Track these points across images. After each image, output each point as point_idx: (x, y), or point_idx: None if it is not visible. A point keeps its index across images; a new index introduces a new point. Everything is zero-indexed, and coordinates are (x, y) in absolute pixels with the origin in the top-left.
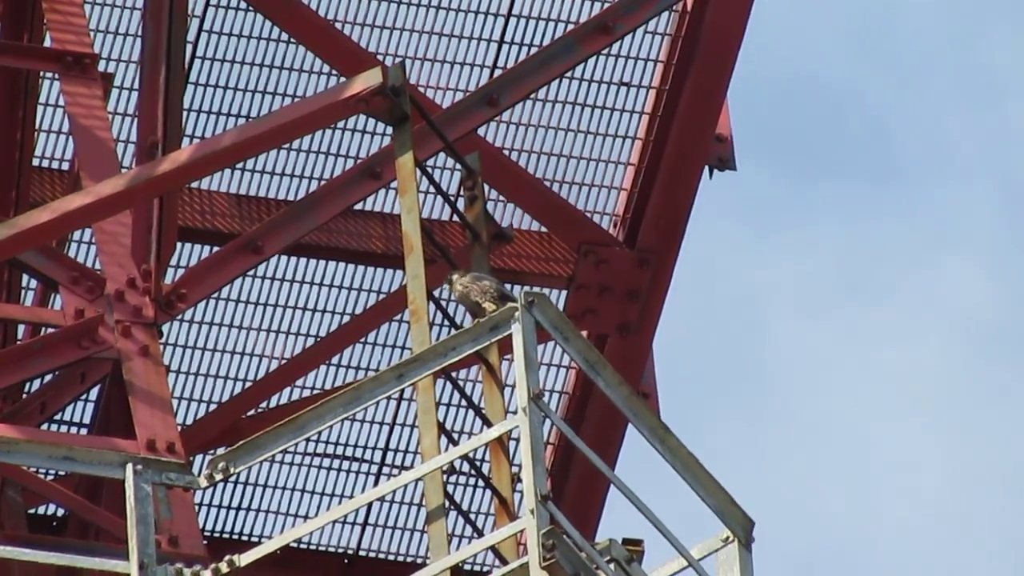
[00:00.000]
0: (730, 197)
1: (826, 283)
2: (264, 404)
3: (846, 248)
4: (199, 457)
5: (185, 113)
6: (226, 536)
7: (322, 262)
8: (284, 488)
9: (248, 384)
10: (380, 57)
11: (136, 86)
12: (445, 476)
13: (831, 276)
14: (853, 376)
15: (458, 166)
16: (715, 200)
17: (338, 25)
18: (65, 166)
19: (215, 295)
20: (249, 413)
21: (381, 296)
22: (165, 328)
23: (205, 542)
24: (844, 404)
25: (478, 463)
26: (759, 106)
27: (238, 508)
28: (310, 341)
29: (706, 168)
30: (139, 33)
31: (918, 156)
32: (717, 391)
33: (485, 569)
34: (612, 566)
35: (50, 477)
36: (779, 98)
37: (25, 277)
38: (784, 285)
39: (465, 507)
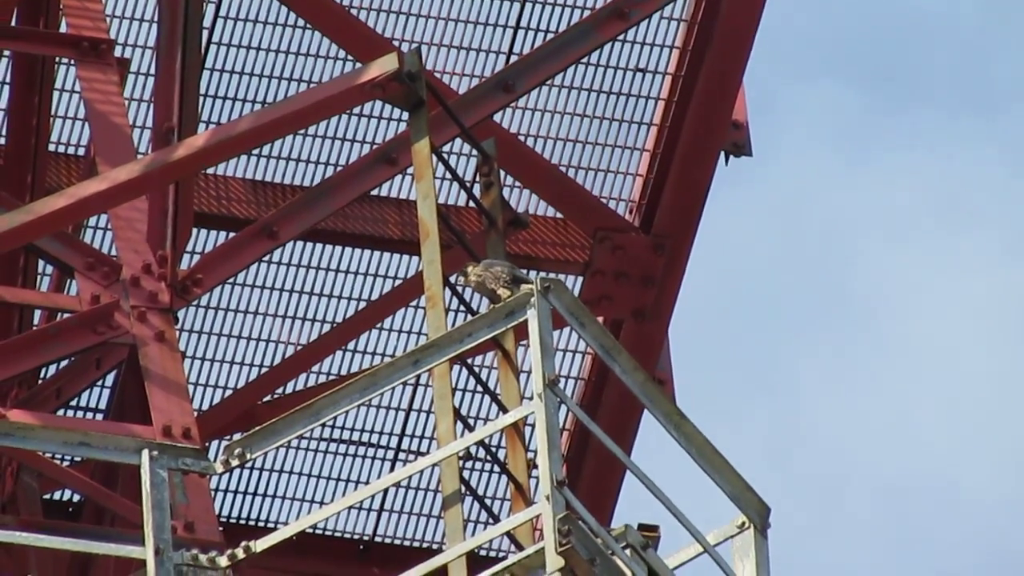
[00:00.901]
0: (821, 125)
1: (917, 211)
2: (280, 390)
3: (938, 176)
4: (215, 443)
5: (201, 99)
6: (242, 522)
7: (338, 248)
8: (300, 474)
9: (264, 370)
10: (396, 43)
11: (152, 72)
12: (461, 462)
13: (922, 204)
14: (944, 303)
15: (474, 152)
16: (806, 125)
17: (354, 11)
18: (81, 152)
19: (231, 281)
20: (265, 399)
21: (397, 282)
22: (181, 314)
23: (221, 528)
24: (936, 331)
25: (494, 449)
26: (853, 33)
27: (254, 494)
28: (326, 327)
29: (722, 154)
30: (155, 19)
31: (1011, 83)
32: (807, 319)
33: (501, 555)
34: (628, 552)
35: (66, 463)
36: (873, 25)
37: (41, 263)
38: (874, 213)
39: (481, 493)
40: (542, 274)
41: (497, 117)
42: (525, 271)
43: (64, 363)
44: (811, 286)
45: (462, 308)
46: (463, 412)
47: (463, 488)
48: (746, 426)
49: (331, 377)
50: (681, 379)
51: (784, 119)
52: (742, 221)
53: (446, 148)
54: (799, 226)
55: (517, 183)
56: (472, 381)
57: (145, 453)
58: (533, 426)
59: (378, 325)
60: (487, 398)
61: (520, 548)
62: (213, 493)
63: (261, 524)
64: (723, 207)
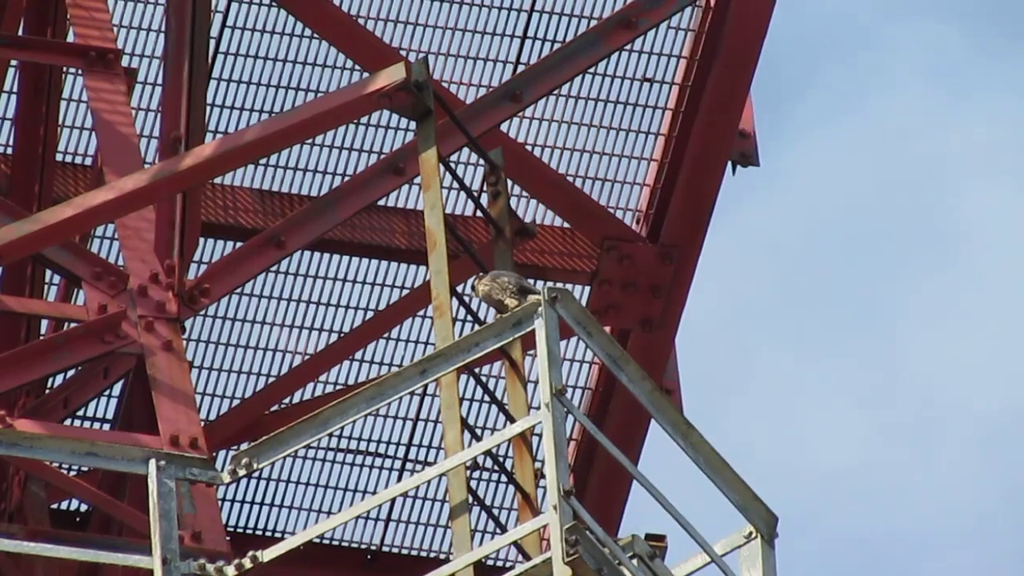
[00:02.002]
0: (922, 60)
1: (1015, 150)
2: (287, 400)
3: None
4: (222, 453)
5: (208, 108)
6: (249, 532)
7: (345, 258)
8: (307, 484)
9: (271, 379)
10: (403, 53)
11: (159, 81)
12: (468, 472)
13: (1020, 143)
14: None
15: (481, 162)
16: (907, 62)
17: (361, 21)
18: (88, 161)
19: (238, 290)
20: (272, 409)
21: (404, 292)
22: (188, 323)
23: (228, 538)
24: None
25: (501, 459)
26: None
27: (261, 504)
28: (333, 337)
29: (729, 164)
30: (163, 28)
31: None
32: (905, 253)
33: (508, 564)
34: (635, 562)
35: (73, 472)
36: None
37: (48, 272)
38: (972, 151)
39: (488, 502)
40: (549, 284)
41: (504, 127)
42: (532, 281)
43: (71, 373)
44: (907, 224)
45: (469, 318)
46: (470, 422)
47: (470, 498)
48: (838, 365)
49: (338, 387)
50: (688, 389)
51: (884, 56)
52: (837, 160)
53: (453, 158)
54: (897, 163)
55: (524, 193)
56: (479, 391)
57: (152, 463)
58: (540, 436)
59: (385, 335)
60: (494, 408)
61: (527, 558)
62: (220, 503)
63: (268, 534)
64: (819, 150)
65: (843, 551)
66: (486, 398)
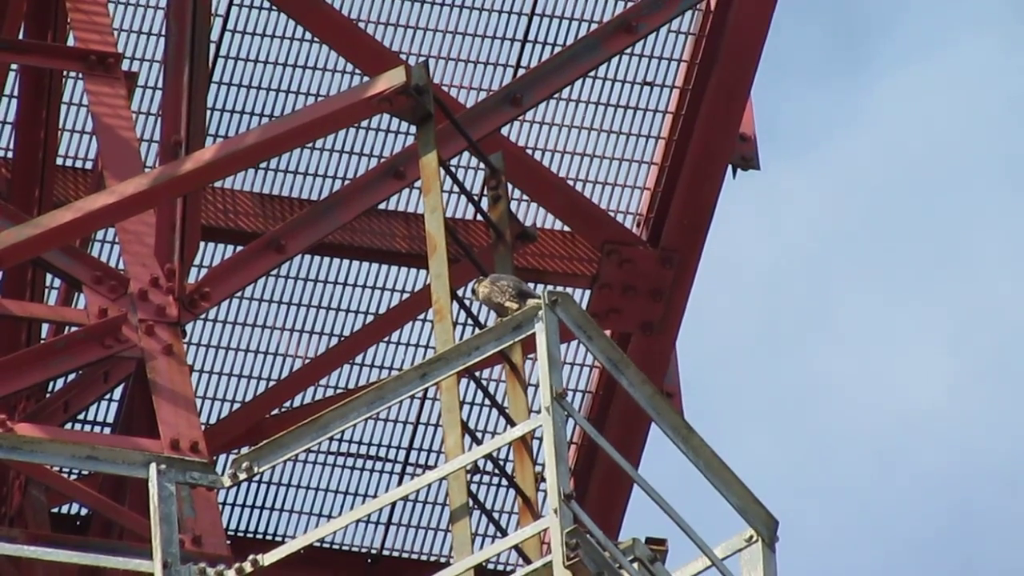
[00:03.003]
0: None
1: None
2: (288, 403)
3: None
4: (223, 456)
5: (209, 112)
6: (250, 535)
7: (345, 261)
8: (308, 487)
9: (272, 383)
10: (403, 56)
11: (160, 85)
12: (469, 475)
13: None
14: None
15: (482, 165)
16: None
17: (361, 24)
18: (88, 165)
19: (238, 294)
20: (273, 412)
21: (404, 295)
22: (188, 327)
23: (229, 541)
24: None
25: (502, 462)
26: None
27: (262, 507)
28: (333, 340)
29: (729, 167)
30: (163, 32)
31: None
32: (988, 196)
33: (509, 568)
34: (635, 565)
35: (73, 476)
36: None
37: (49, 276)
38: None
39: (489, 506)
40: (550, 287)
41: (505, 130)
42: (532, 285)
43: (72, 377)
44: (992, 162)
45: (470, 322)
46: (471, 425)
47: (471, 501)
48: (922, 305)
49: (339, 391)
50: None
51: None
52: (919, 102)
53: (454, 161)
54: (982, 103)
55: (525, 196)
56: (480, 394)
57: (153, 467)
58: (541, 439)
59: (385, 339)
60: (495, 411)
61: (528, 562)
62: (221, 507)
63: (269, 538)
64: (904, 88)
65: (932, 488)
66: (486, 402)
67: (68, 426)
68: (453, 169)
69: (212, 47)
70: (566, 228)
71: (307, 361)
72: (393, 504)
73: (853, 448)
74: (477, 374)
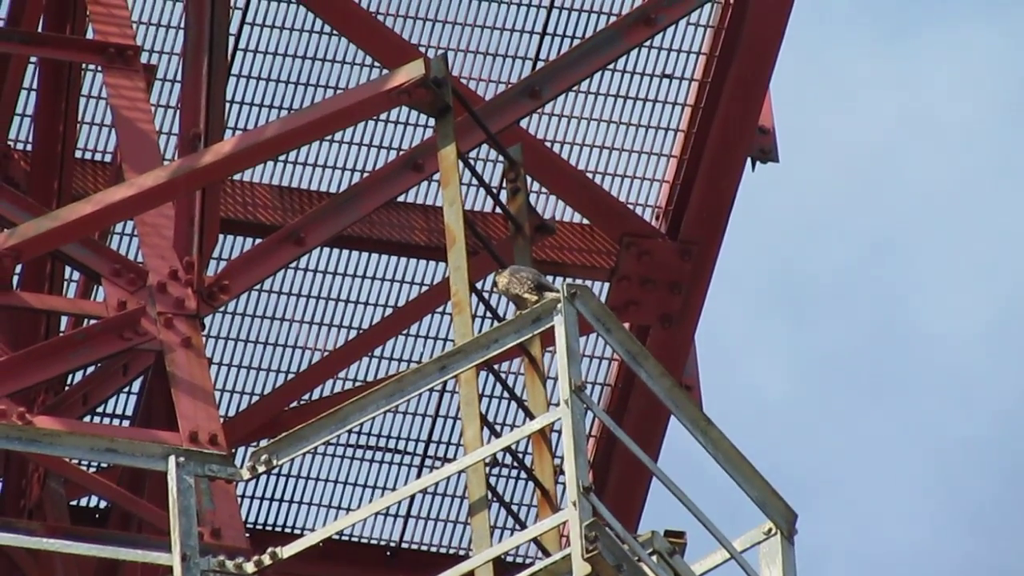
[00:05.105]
0: None
1: None
2: (306, 396)
3: None
4: (241, 449)
5: (227, 105)
6: (268, 528)
7: (364, 254)
8: (327, 480)
9: (290, 376)
10: (422, 49)
11: (179, 78)
12: (487, 468)
13: None
14: None
15: (500, 158)
16: None
17: (380, 17)
18: (107, 158)
19: (257, 287)
20: (291, 405)
21: (423, 288)
22: (207, 320)
23: (247, 534)
24: None
25: (520, 455)
26: None
27: (280, 500)
28: (352, 333)
29: (748, 160)
30: (182, 25)
31: None
32: None
33: (528, 561)
34: (654, 558)
35: (92, 469)
36: None
37: (68, 269)
38: None
39: (507, 499)
40: (568, 280)
41: (523, 123)
42: (551, 278)
43: (91, 369)
44: None
45: (488, 314)
46: (490, 418)
47: (489, 494)
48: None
49: (358, 383)
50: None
51: None
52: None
53: (472, 154)
54: None
55: (543, 189)
56: (499, 387)
57: (172, 459)
58: (560, 432)
59: (404, 331)
60: (514, 404)
61: (547, 554)
62: (240, 499)
63: (288, 530)
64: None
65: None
66: (505, 394)
67: (87, 419)
68: (472, 162)
69: (231, 40)
70: (585, 221)
71: (326, 354)
72: (412, 497)
73: None
74: (496, 367)
